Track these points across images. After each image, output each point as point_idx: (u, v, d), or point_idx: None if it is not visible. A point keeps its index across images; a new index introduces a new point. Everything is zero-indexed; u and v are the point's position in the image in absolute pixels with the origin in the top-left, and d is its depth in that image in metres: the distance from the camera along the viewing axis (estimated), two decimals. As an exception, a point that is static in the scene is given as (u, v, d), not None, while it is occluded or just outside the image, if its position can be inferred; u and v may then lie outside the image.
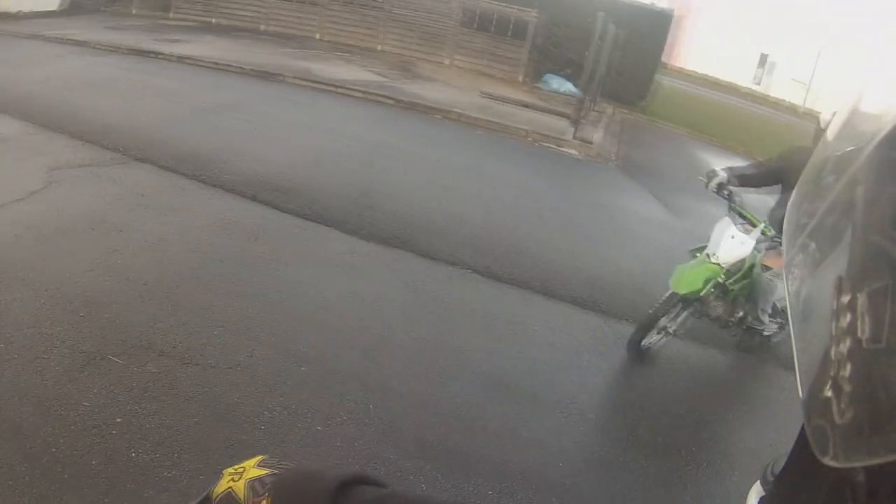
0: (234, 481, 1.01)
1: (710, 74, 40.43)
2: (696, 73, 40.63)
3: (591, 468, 4.04)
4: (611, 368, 5.25)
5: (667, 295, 5.03)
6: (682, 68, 40.37)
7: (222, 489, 1.01)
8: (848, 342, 0.48)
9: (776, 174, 5.01)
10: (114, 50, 15.69)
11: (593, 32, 13.77)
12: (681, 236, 8.63)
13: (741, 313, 5.18)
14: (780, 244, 4.74)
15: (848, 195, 0.57)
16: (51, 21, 20.68)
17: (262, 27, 21.26)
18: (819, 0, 36.75)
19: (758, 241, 4.84)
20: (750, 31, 40.14)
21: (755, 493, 0.93)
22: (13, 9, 21.69)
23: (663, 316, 5.05)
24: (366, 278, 5.79)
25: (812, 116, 18.29)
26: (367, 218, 7.15)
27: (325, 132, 10.65)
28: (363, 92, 13.83)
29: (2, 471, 3.24)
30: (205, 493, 1.03)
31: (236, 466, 1.04)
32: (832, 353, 0.50)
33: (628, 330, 5.42)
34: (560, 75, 19.36)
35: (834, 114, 0.72)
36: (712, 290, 4.86)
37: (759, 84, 42.66)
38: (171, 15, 22.47)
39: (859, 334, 0.47)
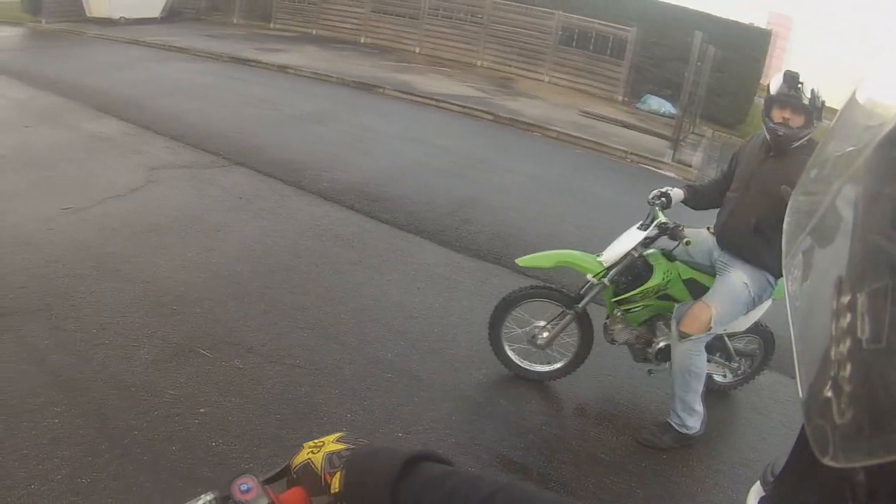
0: (314, 453, 1.12)
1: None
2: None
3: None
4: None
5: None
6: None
7: (301, 460, 1.12)
8: (848, 342, 0.49)
9: (728, 175, 4.23)
10: (214, 58, 16.45)
11: (692, 52, 13.53)
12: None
13: (661, 343, 4.26)
14: (676, 239, 3.91)
15: (848, 195, 0.57)
16: (151, 28, 21.96)
17: (362, 39, 21.91)
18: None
19: (650, 238, 4.00)
20: (851, 51, 38.78)
21: (755, 493, 0.96)
22: (115, 15, 23.14)
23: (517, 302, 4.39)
24: (457, 290, 5.78)
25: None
26: (463, 231, 7.16)
27: (424, 145, 10.80)
28: (462, 106, 13.98)
29: (82, 447, 3.37)
30: (285, 464, 1.14)
31: (316, 441, 1.15)
32: (832, 353, 0.51)
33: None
34: (659, 95, 19.05)
35: None
36: (591, 291, 4.14)
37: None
38: (271, 25, 23.42)
39: (859, 334, 0.48)
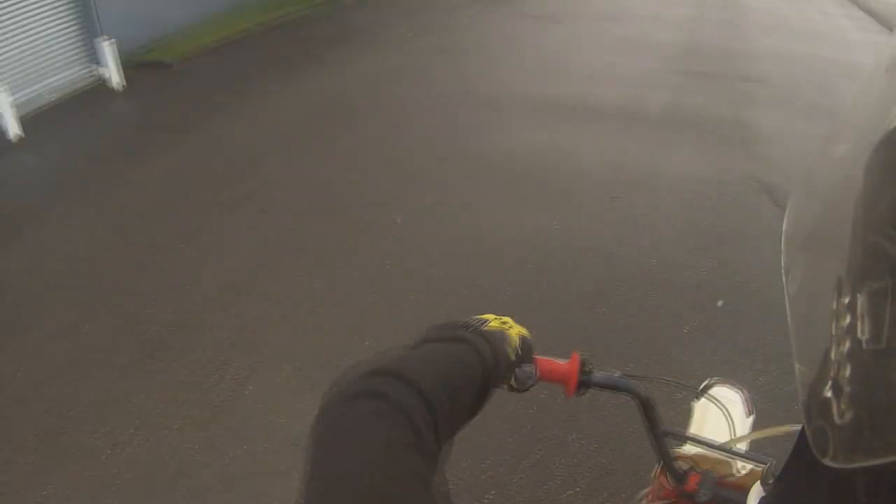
0: (506, 327, 1.17)
1: None
2: None
3: None
4: None
5: None
6: None
7: (493, 325, 1.16)
8: (848, 343, 0.49)
9: None
10: None
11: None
12: None
13: None
14: None
15: (848, 195, 0.57)
16: None
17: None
18: None
19: None
20: None
21: (755, 493, 0.97)
22: None
23: None
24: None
25: None
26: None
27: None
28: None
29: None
30: (480, 323, 1.15)
31: (498, 317, 1.19)
32: (832, 353, 0.51)
33: None
34: None
35: None
36: None
37: None
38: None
39: (859, 335, 0.48)
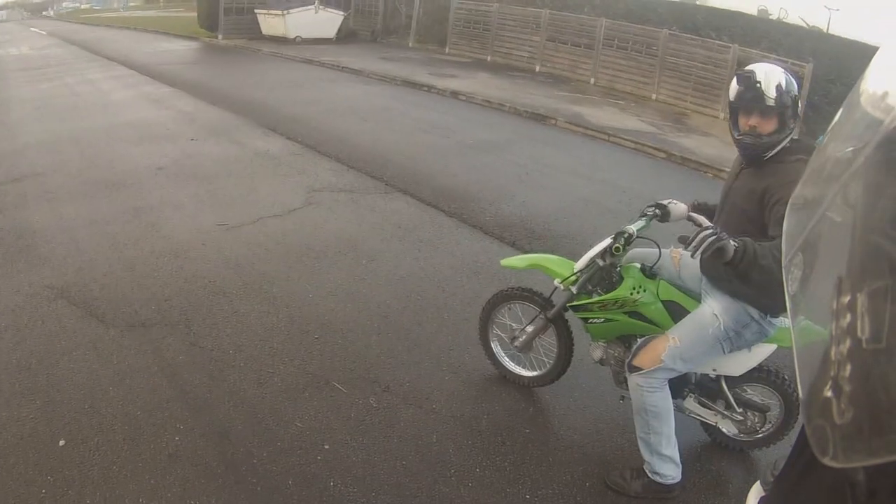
0: None
1: None
2: None
3: None
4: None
5: None
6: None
7: None
8: (848, 342, 0.51)
9: None
10: (386, 80, 17.08)
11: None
12: None
13: None
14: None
15: (848, 195, 0.59)
16: (326, 48, 23.49)
17: (537, 68, 22.12)
18: None
19: (606, 248, 3.72)
20: None
21: (755, 493, 1.02)
22: (291, 34, 24.99)
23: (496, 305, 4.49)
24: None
25: None
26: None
27: (594, 181, 10.64)
28: (634, 142, 13.74)
29: (198, 469, 3.52)
30: None
31: None
32: (832, 353, 0.53)
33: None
34: (834, 135, 18.20)
35: None
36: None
37: None
38: (446, 50, 24.17)
39: (859, 334, 0.49)
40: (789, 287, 0.65)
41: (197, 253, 6.23)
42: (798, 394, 3.81)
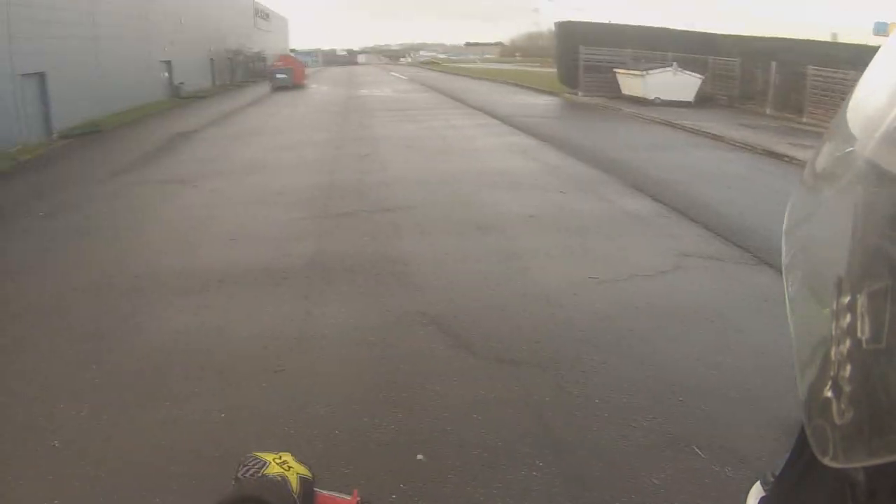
0: (285, 468, 1.20)
1: None
2: None
3: None
4: None
5: None
6: None
7: (273, 468, 1.20)
8: (848, 343, 0.52)
9: None
10: (746, 148, 16.65)
11: None
12: None
13: None
14: None
15: (848, 195, 0.59)
16: (683, 111, 23.33)
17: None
18: None
19: None
20: None
21: (755, 493, 0.99)
22: (650, 95, 25.01)
23: None
24: None
25: None
26: None
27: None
28: None
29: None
30: (259, 466, 1.20)
31: (277, 454, 1.24)
32: (832, 353, 0.53)
33: None
34: None
35: None
36: None
37: None
38: (803, 119, 22.97)
39: (859, 335, 0.50)
40: (789, 287, 0.66)
41: (569, 301, 6.54)
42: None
